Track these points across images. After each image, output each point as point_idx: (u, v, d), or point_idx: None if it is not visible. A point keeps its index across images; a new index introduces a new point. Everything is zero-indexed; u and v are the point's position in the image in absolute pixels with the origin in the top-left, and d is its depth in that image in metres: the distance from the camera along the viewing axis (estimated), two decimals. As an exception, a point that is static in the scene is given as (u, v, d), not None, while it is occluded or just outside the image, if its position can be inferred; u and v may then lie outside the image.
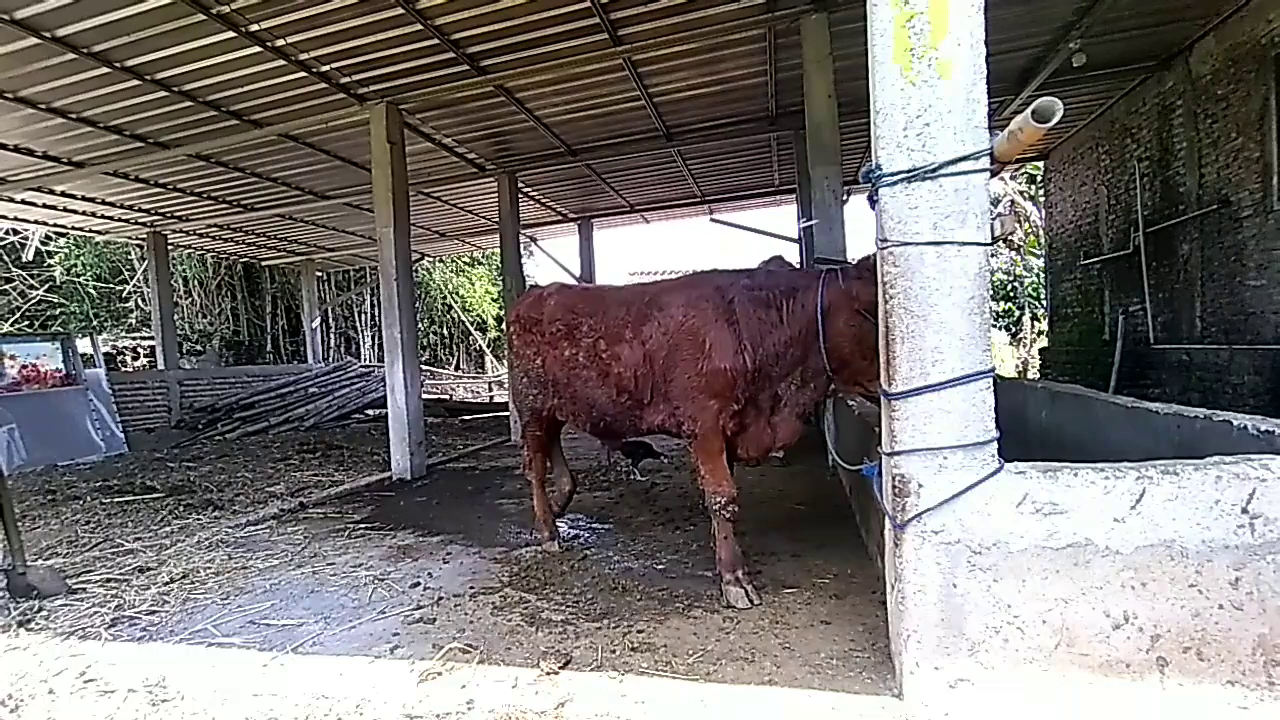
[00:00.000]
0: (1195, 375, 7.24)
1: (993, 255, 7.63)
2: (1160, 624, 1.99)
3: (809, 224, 6.40)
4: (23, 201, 9.86)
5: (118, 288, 16.27)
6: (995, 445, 2.08)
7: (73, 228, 11.99)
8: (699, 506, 4.30)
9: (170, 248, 13.00)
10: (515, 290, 10.21)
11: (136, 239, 13.08)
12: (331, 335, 20.01)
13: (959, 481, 2.06)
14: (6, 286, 15.15)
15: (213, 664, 2.74)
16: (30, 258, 14.99)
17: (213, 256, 16.10)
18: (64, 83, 6.24)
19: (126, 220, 11.41)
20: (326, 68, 6.24)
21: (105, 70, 5.99)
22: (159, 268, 12.34)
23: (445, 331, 22.39)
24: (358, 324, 20.72)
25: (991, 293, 2.31)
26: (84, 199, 10.08)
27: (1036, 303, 16.79)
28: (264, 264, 16.57)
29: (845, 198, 7.00)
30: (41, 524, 5.20)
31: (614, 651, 2.66)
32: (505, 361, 16.55)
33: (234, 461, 8.11)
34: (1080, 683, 2.04)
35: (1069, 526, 2.02)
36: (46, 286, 15.48)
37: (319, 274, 17.63)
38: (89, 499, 6.02)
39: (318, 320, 16.69)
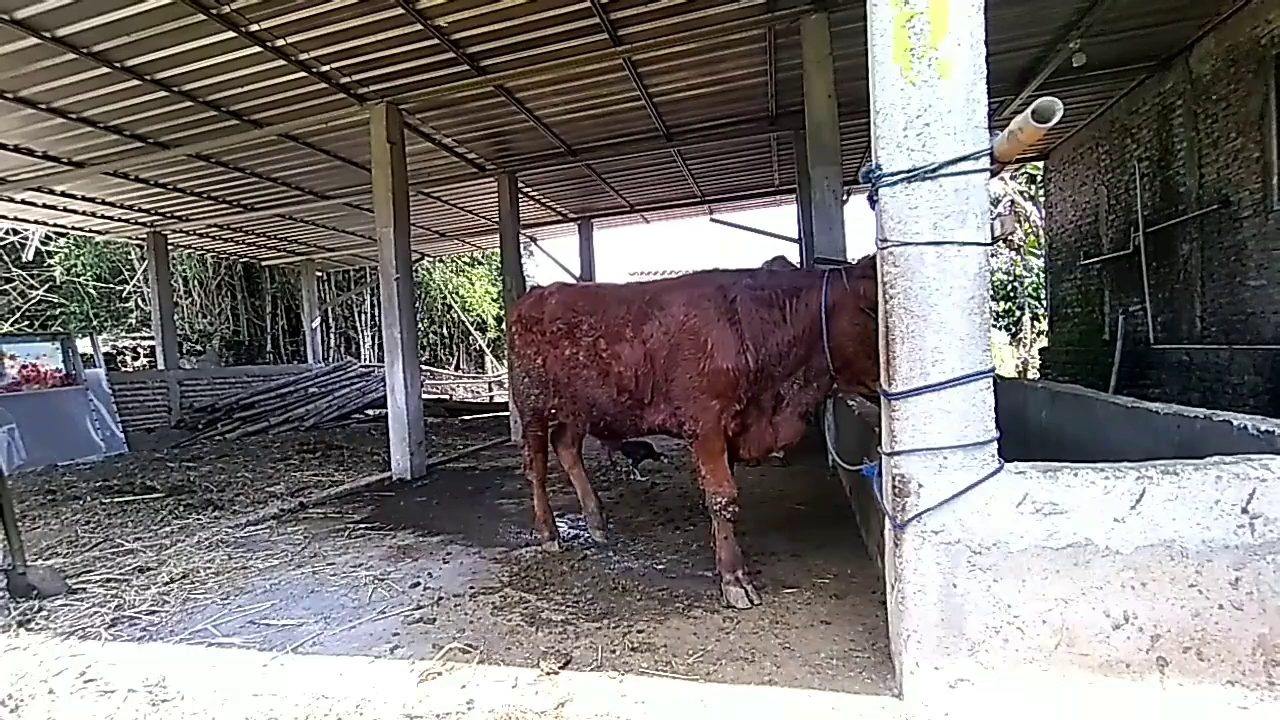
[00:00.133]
0: (1195, 375, 7.24)
1: (993, 255, 7.64)
2: (1160, 624, 1.99)
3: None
4: (23, 201, 9.86)
5: (118, 288, 16.27)
6: (995, 445, 2.08)
7: (73, 228, 12.00)
8: (699, 506, 4.30)
9: (170, 248, 13.00)
10: (515, 290, 10.21)
11: (136, 239, 13.08)
12: (331, 335, 20.02)
13: (959, 481, 2.06)
14: (6, 286, 15.15)
15: (213, 664, 2.74)
16: (30, 258, 15.00)
17: (213, 256, 16.10)
18: (64, 83, 6.24)
19: (126, 220, 11.41)
20: (326, 68, 6.24)
21: (105, 70, 5.99)
22: (159, 268, 12.34)
23: (445, 331, 22.40)
24: (358, 324, 20.73)
25: (991, 293, 2.31)
26: (84, 199, 10.08)
27: (1036, 303, 16.79)
28: (264, 264, 16.58)
29: (845, 198, 7.00)
30: (41, 524, 5.20)
31: (614, 651, 2.65)
32: (505, 362, 16.55)
33: (234, 461, 8.11)
34: (1080, 683, 2.04)
35: (1069, 526, 2.02)
36: (46, 286, 15.48)
37: (319, 274, 17.63)
38: (89, 499, 6.02)
39: (318, 320, 16.69)
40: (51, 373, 8.94)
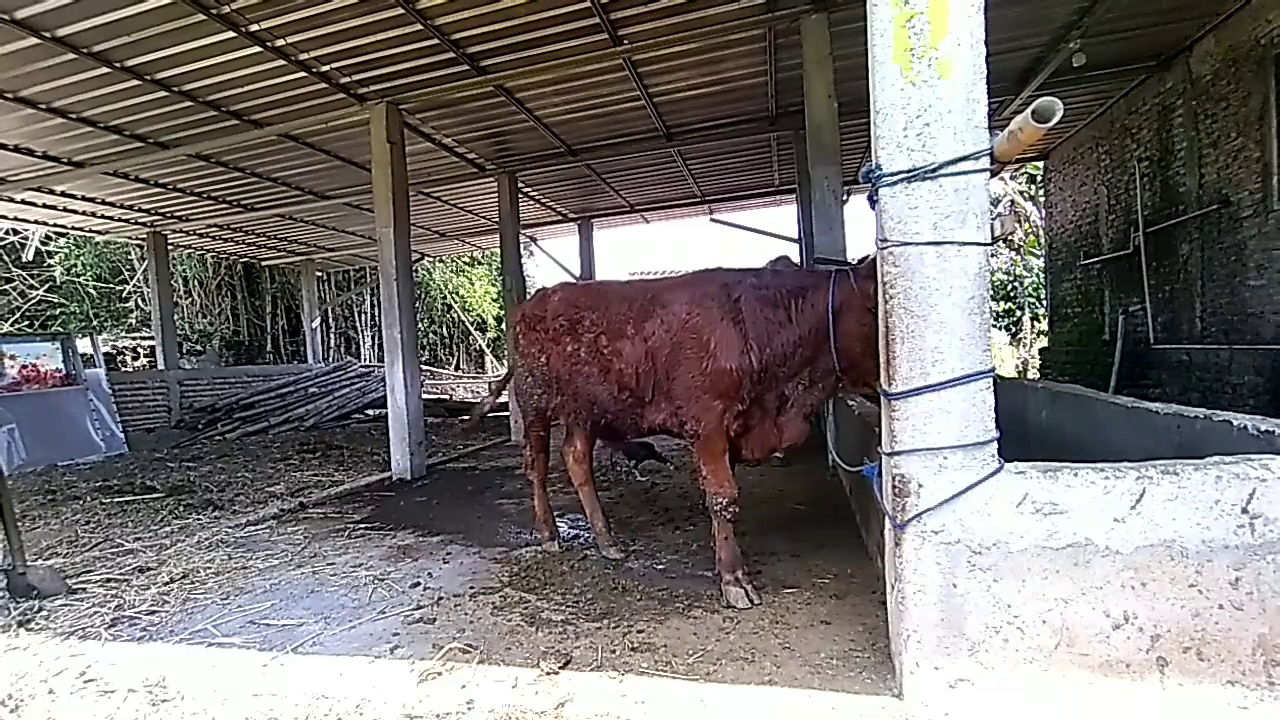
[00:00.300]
0: (1195, 375, 7.24)
1: (993, 255, 7.64)
2: (1160, 624, 1.99)
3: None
4: (23, 201, 9.86)
5: (118, 288, 16.28)
6: (995, 445, 2.08)
7: (73, 228, 12.00)
8: (699, 506, 4.30)
9: (170, 248, 13.01)
10: (515, 290, 10.22)
11: (136, 239, 13.08)
12: (331, 335, 20.03)
13: (959, 481, 2.06)
14: (6, 286, 15.16)
15: (213, 664, 2.74)
16: (30, 258, 15.00)
17: (213, 256, 16.10)
18: (64, 83, 6.24)
19: (126, 220, 11.41)
20: (326, 68, 6.24)
21: (105, 70, 5.99)
22: (159, 268, 12.35)
23: (445, 331, 22.41)
24: (358, 324, 20.73)
25: (991, 293, 2.31)
26: (84, 199, 10.08)
27: (1036, 303, 16.79)
28: (264, 264, 16.58)
29: (845, 198, 7.00)
30: (41, 524, 5.20)
31: (614, 651, 2.65)
32: (505, 362, 16.55)
33: (234, 461, 8.11)
34: (1080, 683, 2.04)
35: (1069, 526, 2.02)
36: (46, 286, 15.49)
37: (319, 274, 17.63)
38: (89, 499, 6.02)
39: (318, 320, 16.70)
40: (51, 373, 8.94)
